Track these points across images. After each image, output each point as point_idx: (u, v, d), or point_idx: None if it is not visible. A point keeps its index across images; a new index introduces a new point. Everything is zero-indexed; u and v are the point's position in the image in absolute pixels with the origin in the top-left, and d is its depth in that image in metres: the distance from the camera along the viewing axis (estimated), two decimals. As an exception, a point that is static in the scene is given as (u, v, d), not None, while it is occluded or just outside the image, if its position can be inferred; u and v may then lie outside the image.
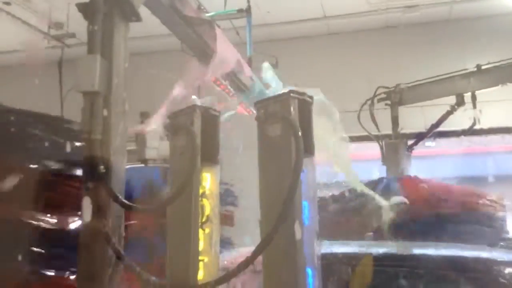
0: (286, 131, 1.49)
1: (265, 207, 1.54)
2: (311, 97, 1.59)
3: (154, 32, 4.07)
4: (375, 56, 6.54)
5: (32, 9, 5.73)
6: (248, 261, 1.42)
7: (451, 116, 4.42)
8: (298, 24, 6.55)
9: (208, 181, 1.71)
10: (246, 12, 3.93)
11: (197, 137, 1.64)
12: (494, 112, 5.14)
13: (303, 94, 1.57)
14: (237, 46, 4.35)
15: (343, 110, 5.13)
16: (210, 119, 1.75)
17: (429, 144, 6.55)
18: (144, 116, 2.87)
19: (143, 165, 2.97)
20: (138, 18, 1.91)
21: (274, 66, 5.66)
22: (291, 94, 1.53)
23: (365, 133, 4.64)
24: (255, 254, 1.39)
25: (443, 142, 6.34)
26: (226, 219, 3.32)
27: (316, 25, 6.61)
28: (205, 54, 2.93)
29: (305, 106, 1.57)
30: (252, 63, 4.30)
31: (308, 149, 1.54)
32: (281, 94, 1.56)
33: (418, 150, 5.50)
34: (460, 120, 4.53)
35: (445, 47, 6.32)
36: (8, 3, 5.71)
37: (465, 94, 4.23)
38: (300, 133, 1.45)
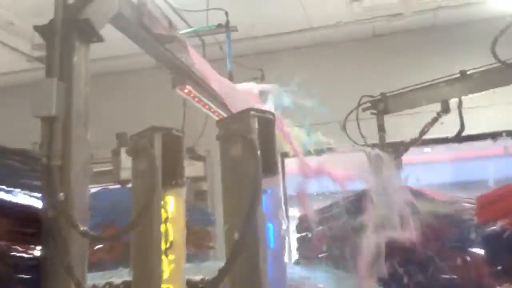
0: (246, 151, 1.43)
1: (228, 229, 1.48)
2: (273, 115, 1.53)
3: (129, 51, 4.04)
4: (362, 65, 6.51)
5: (14, 32, 5.70)
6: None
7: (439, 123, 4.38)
8: (284, 36, 6.53)
9: (172, 205, 1.65)
10: (226, 27, 3.89)
11: (157, 159, 1.58)
12: (481, 118, 5.11)
13: (265, 111, 1.51)
14: (220, 61, 4.33)
15: (331, 121, 5.10)
16: (173, 141, 1.69)
17: (427, 150, 6.52)
18: (121, 138, 2.81)
19: (119, 186, 2.92)
20: (99, 39, 1.86)
21: (260, 79, 5.64)
22: (251, 112, 1.47)
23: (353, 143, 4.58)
24: (215, 282, 1.33)
25: (438, 147, 6.31)
26: (205, 241, 3.24)
27: (301, 37, 6.59)
28: (180, 70, 2.89)
29: (267, 124, 1.51)
30: (236, 77, 4.26)
31: (271, 168, 1.48)
32: (241, 112, 1.51)
33: (413, 156, 5.43)
34: (449, 126, 4.50)
35: (432, 54, 6.30)
36: (-10, 26, 5.68)
37: (450, 101, 4.18)
38: (259, 153, 1.39)
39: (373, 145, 4.41)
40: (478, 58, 4.79)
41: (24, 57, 5.93)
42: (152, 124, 1.71)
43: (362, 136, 4.39)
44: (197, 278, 1.96)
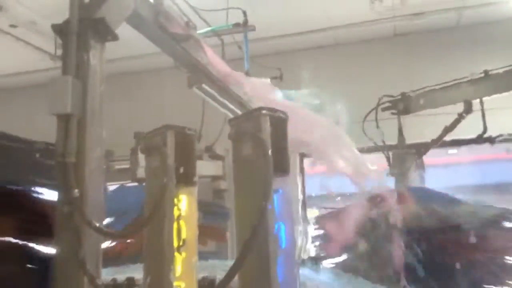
0: (257, 150, 1.42)
1: (239, 228, 1.48)
2: (285, 114, 1.52)
3: (149, 50, 4.09)
4: (383, 65, 6.44)
5: (38, 31, 5.80)
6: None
7: (462, 124, 4.30)
8: (304, 36, 6.49)
9: (184, 203, 1.65)
10: (243, 26, 3.88)
11: (170, 157, 1.58)
12: (504, 119, 5.00)
13: (276, 110, 1.50)
14: (239, 61, 4.32)
15: (352, 120, 5.05)
16: (186, 139, 1.70)
17: (452, 152, 6.40)
18: (138, 137, 2.82)
19: (136, 184, 2.95)
20: (114, 38, 1.88)
21: (279, 79, 5.61)
22: (263, 111, 1.46)
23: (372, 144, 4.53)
24: (224, 281, 1.32)
25: (463, 149, 6.19)
26: (217, 236, 3.24)
27: (322, 36, 6.55)
28: (197, 69, 2.90)
29: (279, 123, 1.50)
30: (255, 77, 4.25)
31: (282, 167, 1.47)
32: (252, 110, 1.50)
33: (437, 158, 5.32)
34: (471, 127, 4.41)
35: (454, 53, 6.19)
36: (14, 26, 5.79)
37: (473, 101, 4.11)
38: (270, 152, 1.38)
39: (394, 146, 4.36)
40: (502, 58, 4.70)
41: (48, 56, 6.03)
42: (171, 123, 1.71)
43: (382, 136, 4.33)
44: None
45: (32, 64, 6.44)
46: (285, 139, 1.50)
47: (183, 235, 1.62)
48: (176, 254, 1.60)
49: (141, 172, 2.86)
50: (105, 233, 1.63)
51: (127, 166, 3.33)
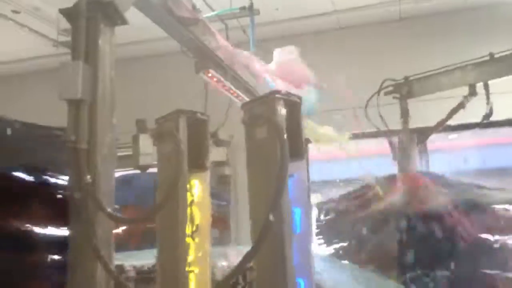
0: (272, 134, 1.41)
1: (254, 212, 1.47)
2: (299, 98, 1.51)
3: (151, 36, 4.03)
4: (388, 49, 6.38)
5: (41, 17, 5.75)
6: (234, 272, 1.36)
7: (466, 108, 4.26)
8: (308, 20, 6.43)
9: (197, 188, 1.65)
10: (249, 9, 3.85)
11: (182, 143, 1.57)
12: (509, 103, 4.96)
13: (291, 94, 1.49)
14: (243, 45, 4.29)
15: (356, 106, 5.02)
16: (198, 124, 1.68)
17: (452, 137, 6.39)
18: (140, 124, 2.80)
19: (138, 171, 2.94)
20: (123, 22, 1.85)
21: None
22: (277, 95, 1.45)
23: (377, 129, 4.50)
24: (241, 265, 1.32)
25: (465, 134, 6.17)
26: (220, 223, 3.24)
27: (326, 20, 6.49)
28: (204, 54, 2.87)
29: (293, 107, 1.49)
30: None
31: (297, 152, 1.46)
32: (266, 94, 1.49)
33: (441, 143, 5.30)
34: (475, 111, 4.38)
35: (459, 37, 6.13)
36: (17, 12, 5.73)
37: (477, 85, 4.06)
38: (285, 136, 1.37)
39: (397, 131, 4.33)
40: (507, 41, 4.65)
41: (50, 42, 5.99)
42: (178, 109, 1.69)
43: (383, 121, 4.28)
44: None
45: (34, 51, 6.40)
46: (299, 122, 1.49)
47: (196, 220, 1.62)
48: (189, 239, 1.60)
49: (143, 159, 2.85)
50: (118, 219, 1.63)
51: (128, 153, 3.28)
